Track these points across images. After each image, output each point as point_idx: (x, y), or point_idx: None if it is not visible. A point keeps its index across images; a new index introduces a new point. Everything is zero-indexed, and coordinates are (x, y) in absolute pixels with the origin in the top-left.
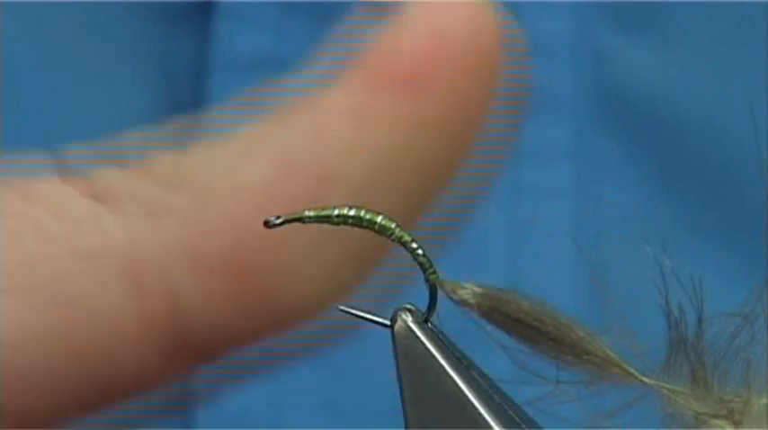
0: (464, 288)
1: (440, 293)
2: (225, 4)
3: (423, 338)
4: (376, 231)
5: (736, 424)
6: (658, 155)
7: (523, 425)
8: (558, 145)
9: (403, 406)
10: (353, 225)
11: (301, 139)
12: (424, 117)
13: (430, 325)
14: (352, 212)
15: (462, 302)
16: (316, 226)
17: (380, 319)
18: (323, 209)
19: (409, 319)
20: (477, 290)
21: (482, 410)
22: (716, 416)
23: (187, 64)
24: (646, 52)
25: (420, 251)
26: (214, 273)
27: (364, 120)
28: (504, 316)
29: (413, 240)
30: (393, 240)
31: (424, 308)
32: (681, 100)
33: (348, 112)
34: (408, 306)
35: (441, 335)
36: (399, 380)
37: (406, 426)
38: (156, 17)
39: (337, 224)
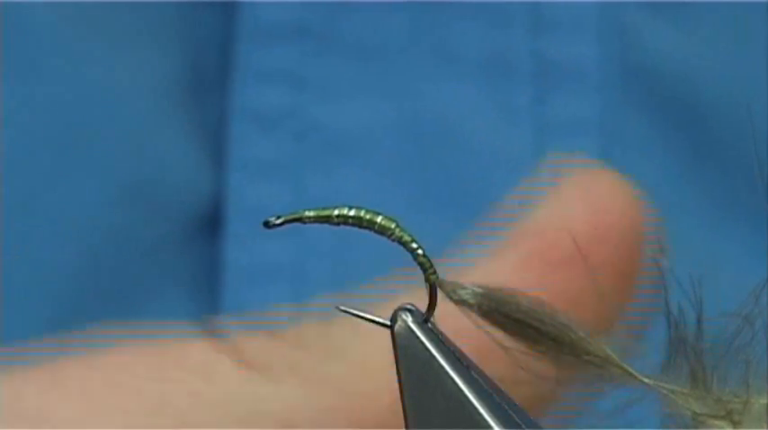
0: (464, 288)
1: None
2: (241, 53)
3: (423, 338)
4: (376, 231)
5: (735, 424)
6: (684, 130)
7: (523, 426)
8: (583, 119)
9: (403, 406)
10: (353, 225)
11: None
12: (581, 288)
13: (430, 325)
14: (352, 212)
15: (462, 303)
16: None
17: (380, 319)
18: (323, 209)
19: (409, 319)
20: (477, 290)
21: (482, 410)
22: (715, 417)
23: (212, 34)
24: (671, 27)
25: (420, 251)
26: None
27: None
28: (504, 316)
29: (413, 240)
30: (393, 240)
31: (424, 308)
32: (706, 76)
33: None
34: (408, 306)
35: (441, 336)
36: (399, 381)
37: (406, 426)
38: (185, 68)
39: (337, 224)
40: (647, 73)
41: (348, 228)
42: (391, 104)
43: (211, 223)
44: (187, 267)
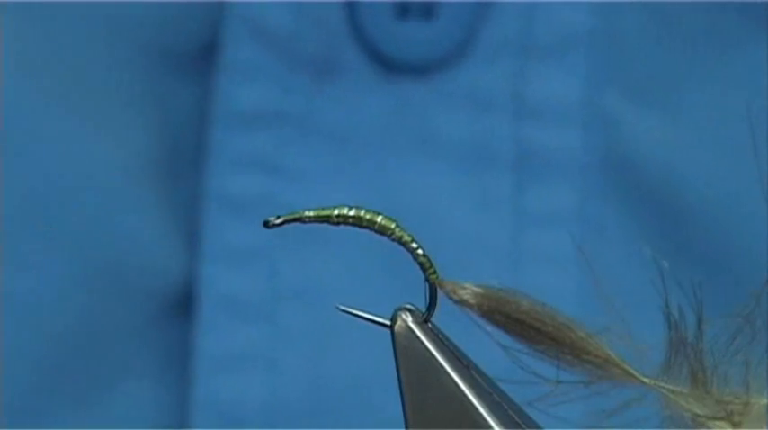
0: (464, 288)
1: (440, 293)
2: (227, 55)
3: (423, 338)
4: (376, 231)
5: (735, 425)
6: (664, 224)
7: (523, 425)
8: (563, 209)
9: (403, 406)
10: (353, 225)
11: None
12: None
13: (430, 325)
14: (351, 212)
15: (462, 302)
16: None
17: (380, 319)
18: (322, 209)
19: (409, 319)
20: (477, 290)
21: (482, 410)
22: (715, 418)
23: (188, 113)
24: (653, 121)
25: (420, 251)
26: None
27: None
28: (504, 316)
29: (413, 240)
30: (393, 240)
31: (424, 308)
32: (688, 169)
33: None
34: (408, 306)
35: (441, 335)
36: (399, 381)
37: (406, 426)
38: (159, 64)
39: (337, 224)
40: (628, 164)
41: (348, 227)
42: (368, 190)
43: (182, 308)
44: (157, 353)
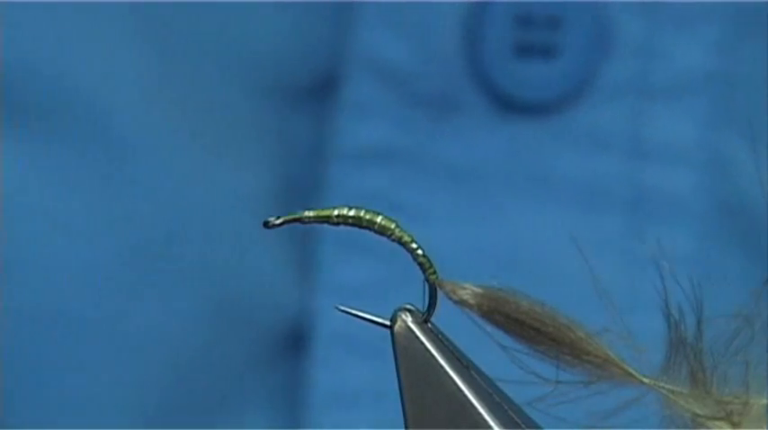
0: (464, 288)
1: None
2: (347, 91)
3: (422, 339)
4: (376, 231)
5: (734, 425)
6: None
7: (523, 426)
8: (679, 253)
9: (403, 406)
10: (353, 225)
11: None
12: None
13: (430, 325)
14: (351, 212)
15: (462, 303)
16: None
17: (380, 320)
18: (322, 209)
19: (409, 320)
20: (477, 290)
21: (482, 410)
22: (714, 418)
23: (306, 149)
24: None
25: (420, 251)
26: None
27: None
28: (503, 316)
29: (413, 240)
30: (393, 240)
31: (424, 308)
32: None
33: None
34: (408, 306)
35: (440, 336)
36: (399, 381)
37: (406, 426)
38: (280, 99)
39: (337, 224)
40: (746, 208)
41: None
42: (484, 229)
43: (296, 343)
44: (272, 386)
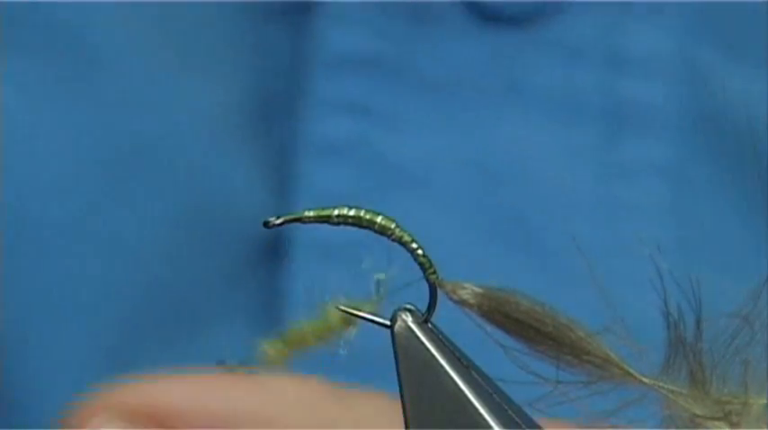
0: (464, 288)
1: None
2: (323, 3)
3: (423, 339)
4: (376, 231)
5: (733, 425)
6: (754, 180)
7: (523, 426)
8: (651, 163)
9: (403, 406)
10: (353, 225)
11: None
12: None
13: (430, 325)
14: (351, 212)
15: (462, 303)
16: None
17: (380, 320)
18: (322, 209)
19: (409, 320)
20: (477, 290)
21: (482, 410)
22: (713, 418)
23: (283, 59)
24: (746, 72)
25: (420, 251)
26: None
27: None
28: (503, 316)
29: (413, 240)
30: (393, 240)
31: (424, 308)
32: None
33: None
34: (408, 306)
35: (441, 336)
36: (399, 381)
37: (406, 426)
38: (252, 13)
39: (337, 224)
40: (720, 119)
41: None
42: (459, 137)
43: (273, 254)
44: (247, 297)
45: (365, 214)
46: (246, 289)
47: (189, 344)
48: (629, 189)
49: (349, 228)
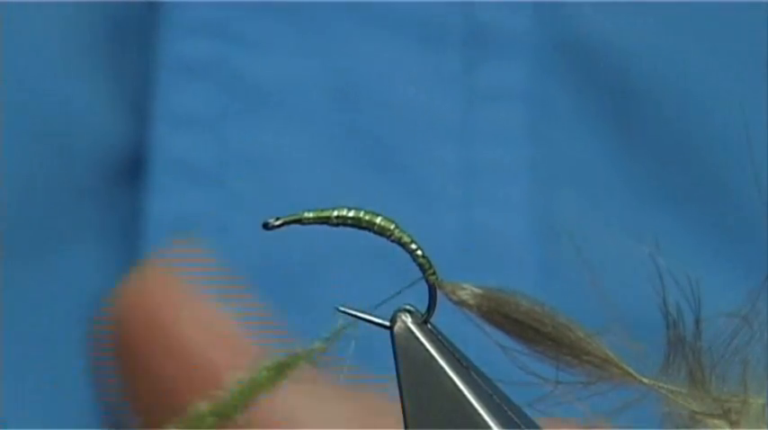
0: (463, 289)
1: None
2: (167, 5)
3: (422, 339)
4: (375, 232)
5: (732, 424)
6: (615, 106)
7: (522, 426)
8: (512, 88)
9: (403, 406)
10: (353, 226)
11: None
12: None
13: (429, 326)
14: (351, 214)
15: (462, 303)
16: None
17: (380, 320)
18: (322, 210)
19: (409, 320)
20: (477, 291)
21: (481, 411)
22: (713, 416)
23: (137, 65)
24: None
25: (419, 252)
26: None
27: None
28: (503, 316)
29: (412, 241)
30: (393, 241)
31: (423, 309)
32: (640, 54)
33: None
34: (408, 307)
35: (440, 336)
36: (399, 381)
37: (406, 427)
38: (104, 19)
39: (336, 225)
40: (580, 45)
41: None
42: (321, 59)
43: (132, 173)
44: (107, 217)
45: (364, 215)
46: (105, 210)
47: (45, 262)
48: (489, 112)
49: (348, 228)
